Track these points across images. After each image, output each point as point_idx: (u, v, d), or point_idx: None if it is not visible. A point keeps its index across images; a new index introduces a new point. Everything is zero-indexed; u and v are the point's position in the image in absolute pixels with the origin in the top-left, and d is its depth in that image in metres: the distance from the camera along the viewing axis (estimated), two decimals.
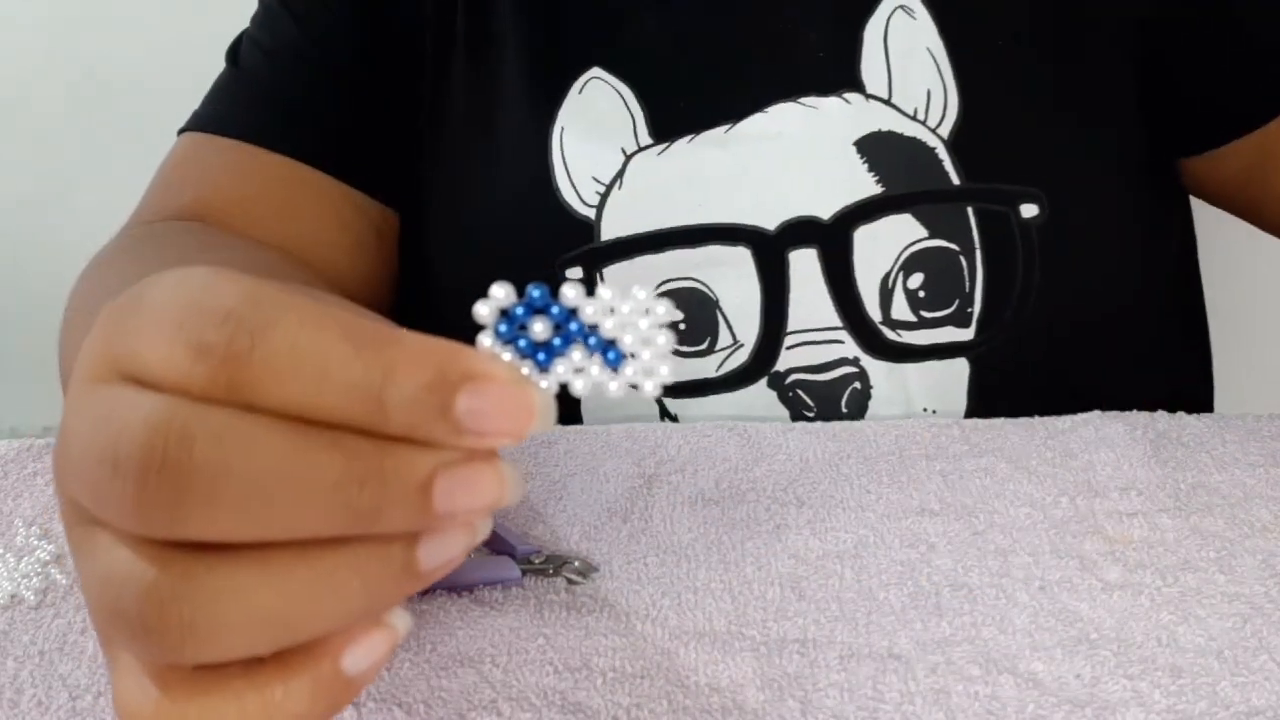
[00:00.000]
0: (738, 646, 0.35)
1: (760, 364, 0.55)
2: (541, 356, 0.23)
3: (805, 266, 0.54)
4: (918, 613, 0.36)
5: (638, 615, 0.37)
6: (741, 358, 0.55)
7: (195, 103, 0.62)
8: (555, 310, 0.23)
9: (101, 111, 1.39)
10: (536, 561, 0.39)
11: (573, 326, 0.23)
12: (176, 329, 0.22)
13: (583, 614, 0.37)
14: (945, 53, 0.55)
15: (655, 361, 0.23)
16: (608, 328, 0.23)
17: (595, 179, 0.57)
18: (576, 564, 0.39)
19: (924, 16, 0.56)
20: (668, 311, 0.23)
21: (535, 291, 0.23)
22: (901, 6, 0.56)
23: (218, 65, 0.63)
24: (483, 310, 0.23)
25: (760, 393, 0.55)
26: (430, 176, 0.60)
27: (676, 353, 0.55)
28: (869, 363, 0.54)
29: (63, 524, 0.24)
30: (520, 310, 0.23)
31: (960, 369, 0.54)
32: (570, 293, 0.23)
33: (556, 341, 0.23)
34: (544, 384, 0.23)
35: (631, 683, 0.33)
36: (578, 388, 0.23)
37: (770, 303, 0.54)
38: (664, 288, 0.55)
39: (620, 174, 0.56)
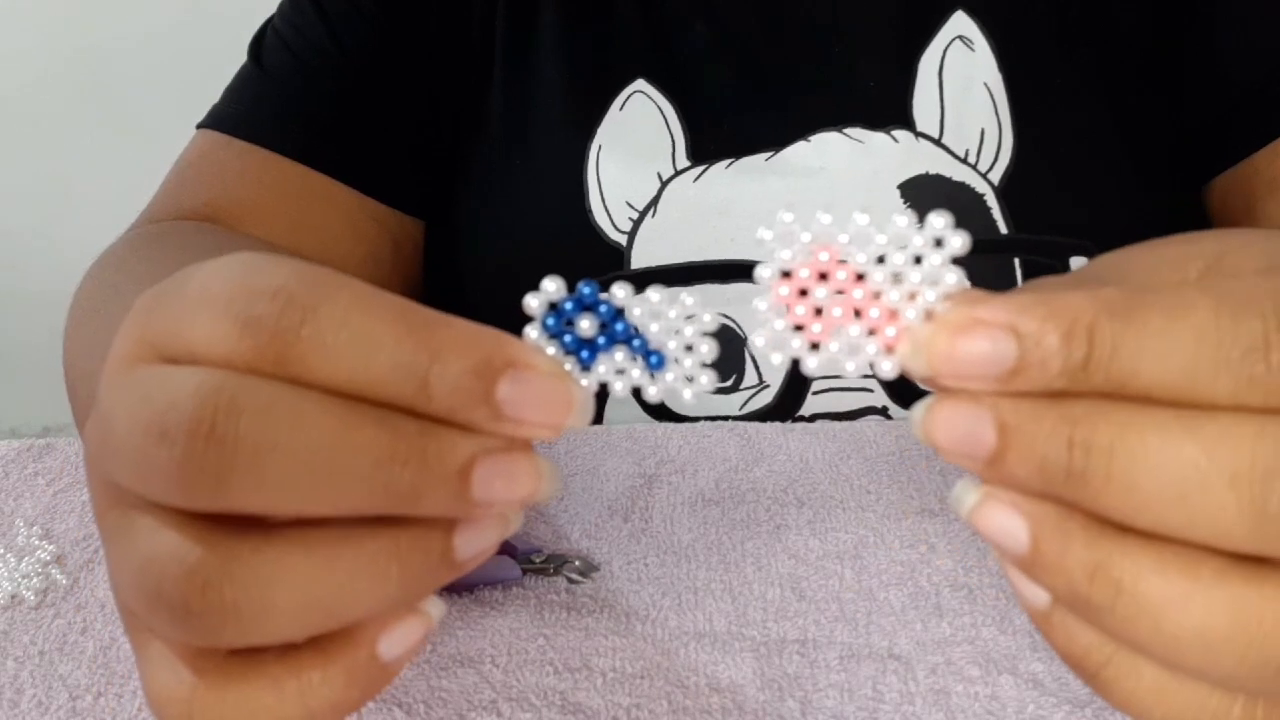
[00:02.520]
0: (738, 646, 0.35)
1: (785, 406, 0.54)
2: (585, 354, 0.24)
3: None
4: (918, 613, 0.36)
5: (638, 615, 0.37)
6: (766, 398, 0.54)
7: (196, 102, 0.62)
8: (603, 308, 0.23)
9: (101, 111, 1.39)
10: (537, 561, 0.39)
11: (618, 326, 0.23)
12: (225, 305, 0.22)
13: (583, 614, 0.37)
14: (1004, 88, 0.53)
15: (696, 369, 0.24)
16: (653, 331, 0.23)
17: (629, 204, 0.56)
18: (577, 564, 0.39)
19: (983, 48, 0.54)
20: (713, 320, 0.23)
21: (586, 288, 0.23)
22: (960, 37, 0.54)
23: (220, 65, 0.63)
24: (532, 303, 0.23)
25: None
26: (463, 188, 0.60)
27: None
28: (897, 413, 0.53)
29: (94, 509, 0.24)
30: (569, 305, 0.23)
31: None
32: (620, 292, 0.23)
33: (601, 340, 0.23)
34: (584, 382, 0.24)
35: (631, 683, 0.33)
36: (617, 389, 0.24)
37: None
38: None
39: (655, 200, 0.56)
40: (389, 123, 0.59)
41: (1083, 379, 0.20)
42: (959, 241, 0.22)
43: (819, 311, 0.23)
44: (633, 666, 0.34)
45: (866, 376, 0.53)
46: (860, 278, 0.22)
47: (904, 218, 0.22)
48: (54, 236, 1.41)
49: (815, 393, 0.54)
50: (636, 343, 0.23)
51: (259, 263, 0.23)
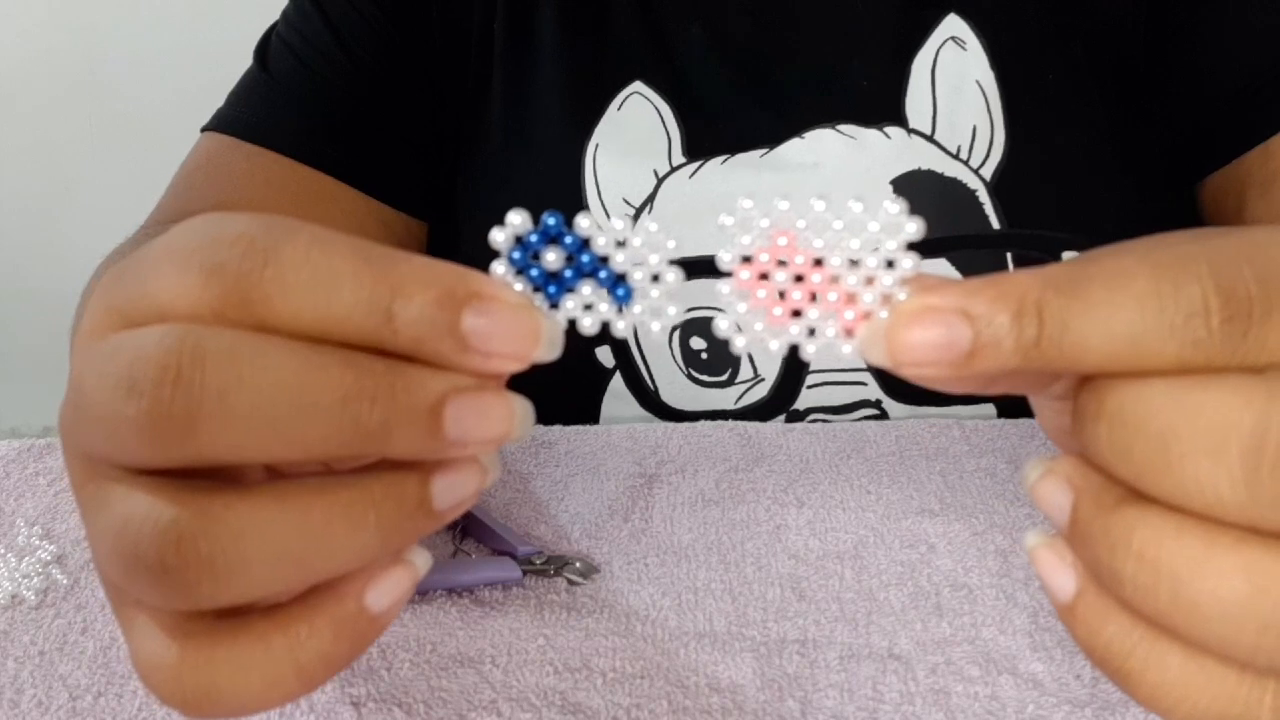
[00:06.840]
0: (738, 646, 0.35)
1: (780, 400, 0.54)
2: (552, 290, 0.23)
3: None
4: (918, 613, 0.36)
5: (638, 616, 0.37)
6: (761, 392, 0.55)
7: (198, 105, 0.62)
8: (569, 240, 0.23)
9: (103, 112, 1.39)
10: (538, 563, 0.39)
11: (584, 258, 0.23)
12: (189, 258, 0.22)
13: (583, 614, 0.37)
14: (996, 86, 0.54)
15: (663, 301, 0.23)
16: (619, 261, 0.23)
17: (626, 200, 0.56)
18: (578, 565, 0.39)
19: (975, 47, 0.54)
20: (678, 247, 0.23)
21: (550, 219, 0.23)
22: (953, 38, 0.54)
23: (220, 66, 0.63)
24: (498, 236, 0.23)
25: None
26: (464, 188, 0.60)
27: (696, 381, 0.56)
28: (891, 405, 0.53)
29: (72, 488, 0.24)
30: (534, 237, 0.23)
31: (987, 413, 0.53)
32: (584, 222, 0.23)
33: (568, 274, 0.23)
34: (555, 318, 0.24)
35: (631, 683, 0.33)
36: (585, 324, 0.23)
37: None
38: (687, 316, 0.55)
39: (651, 197, 0.56)
40: (394, 125, 0.60)
41: (1037, 355, 0.21)
42: (913, 227, 0.22)
43: (782, 295, 0.23)
44: (633, 666, 0.34)
45: (859, 370, 0.53)
46: (818, 263, 0.23)
47: (858, 204, 0.22)
48: (55, 237, 1.41)
49: (810, 386, 0.54)
50: (603, 274, 0.23)
51: (219, 218, 0.23)
